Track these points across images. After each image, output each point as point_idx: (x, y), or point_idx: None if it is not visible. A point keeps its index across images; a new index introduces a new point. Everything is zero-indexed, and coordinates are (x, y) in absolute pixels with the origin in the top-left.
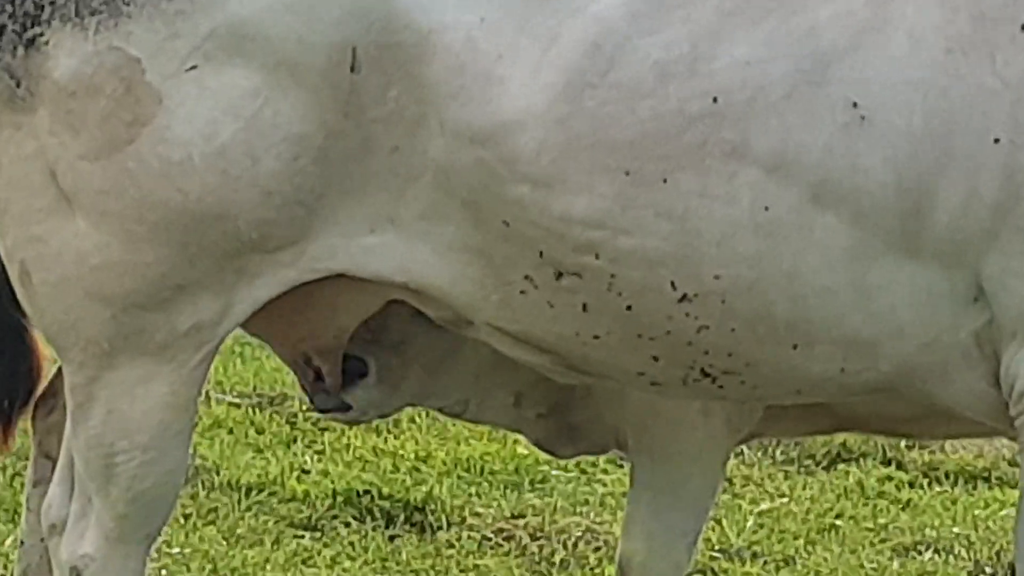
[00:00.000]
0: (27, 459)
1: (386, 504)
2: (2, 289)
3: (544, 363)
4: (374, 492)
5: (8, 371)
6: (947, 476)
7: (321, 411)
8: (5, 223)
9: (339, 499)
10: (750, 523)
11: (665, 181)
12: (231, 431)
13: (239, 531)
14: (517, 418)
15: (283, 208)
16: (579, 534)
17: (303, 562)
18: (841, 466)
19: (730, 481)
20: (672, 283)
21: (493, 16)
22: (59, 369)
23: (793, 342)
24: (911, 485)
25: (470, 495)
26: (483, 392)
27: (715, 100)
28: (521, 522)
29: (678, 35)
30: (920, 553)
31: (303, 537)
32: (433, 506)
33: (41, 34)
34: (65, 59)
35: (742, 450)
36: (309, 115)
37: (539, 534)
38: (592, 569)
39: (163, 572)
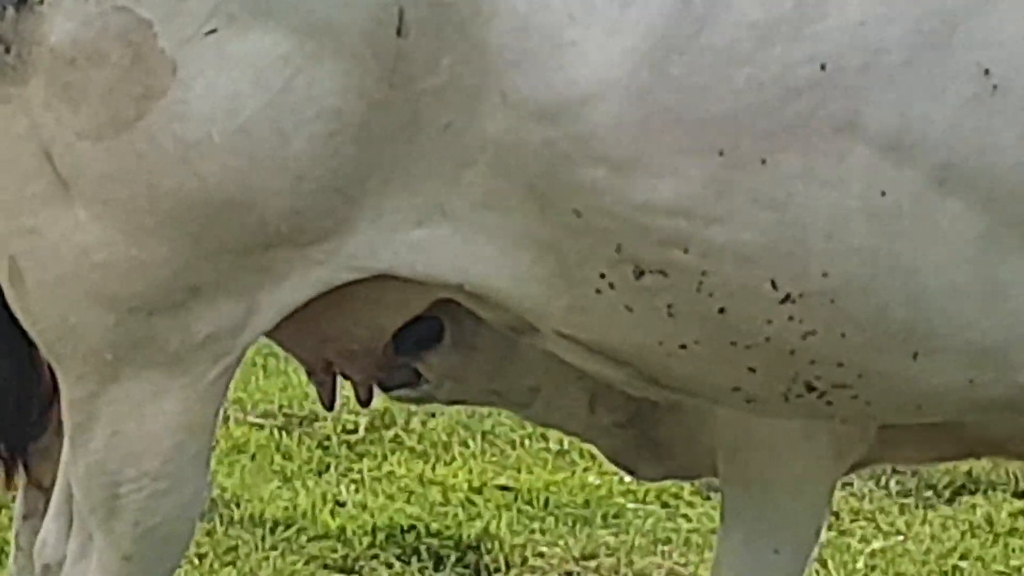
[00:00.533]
0: (15, 488)
1: (434, 542)
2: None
3: (621, 377)
4: (420, 528)
5: (17, 394)
6: None
7: (387, 389)
8: None
9: (380, 536)
10: (860, 564)
11: (764, 162)
12: (254, 457)
13: (263, 573)
14: (589, 425)
15: (316, 196)
16: None
17: None
18: (966, 498)
19: (836, 515)
20: (772, 282)
21: None
22: (55, 384)
23: (913, 349)
24: None
25: (532, 532)
26: (554, 383)
27: (823, 67)
28: (592, 563)
29: None
30: None
31: None
32: (489, 545)
33: None
34: (63, 21)
35: (851, 480)
36: (348, 86)
37: None
38: None
39: None
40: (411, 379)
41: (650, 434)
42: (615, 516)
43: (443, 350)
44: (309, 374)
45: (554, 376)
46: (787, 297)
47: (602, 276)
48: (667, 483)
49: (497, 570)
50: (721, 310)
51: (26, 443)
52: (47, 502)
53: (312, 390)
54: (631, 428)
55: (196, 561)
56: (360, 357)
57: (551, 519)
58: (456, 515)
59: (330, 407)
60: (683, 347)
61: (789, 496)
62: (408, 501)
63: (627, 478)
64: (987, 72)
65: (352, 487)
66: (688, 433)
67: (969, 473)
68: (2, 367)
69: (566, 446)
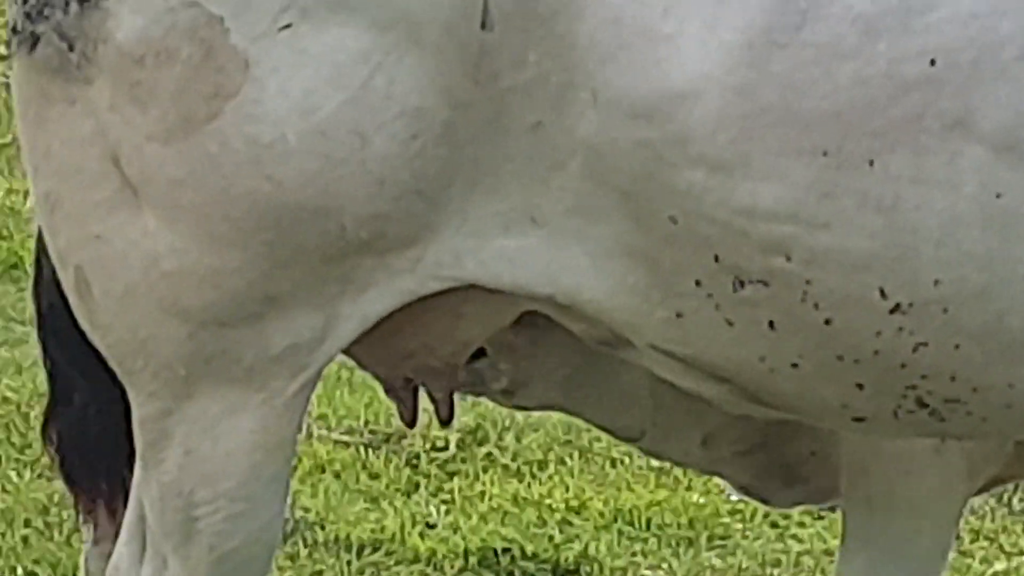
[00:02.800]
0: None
1: (530, 565)
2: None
3: (720, 394)
4: (515, 551)
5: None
6: None
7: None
8: (57, 220)
9: (472, 560)
10: None
11: (871, 164)
12: (338, 476)
13: None
14: (708, 459)
15: (398, 200)
16: None
17: None
18: None
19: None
20: (881, 290)
21: None
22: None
23: None
24: None
25: (634, 554)
26: (664, 426)
27: (933, 63)
28: None
29: None
30: None
31: None
32: (589, 568)
33: None
34: (130, 17)
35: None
36: (430, 84)
37: None
38: None
39: None
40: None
41: (779, 458)
42: (722, 537)
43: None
44: (387, 391)
45: (661, 417)
46: (897, 307)
47: (700, 287)
48: None
49: None
50: (827, 322)
51: (125, 477)
52: (118, 526)
53: None
54: (757, 455)
55: None
56: (440, 373)
57: (654, 541)
58: (553, 537)
59: (411, 424)
60: (786, 363)
61: (917, 518)
62: (502, 522)
63: (734, 497)
64: None
65: (443, 508)
66: (820, 453)
67: None
68: (85, 394)
69: (669, 463)
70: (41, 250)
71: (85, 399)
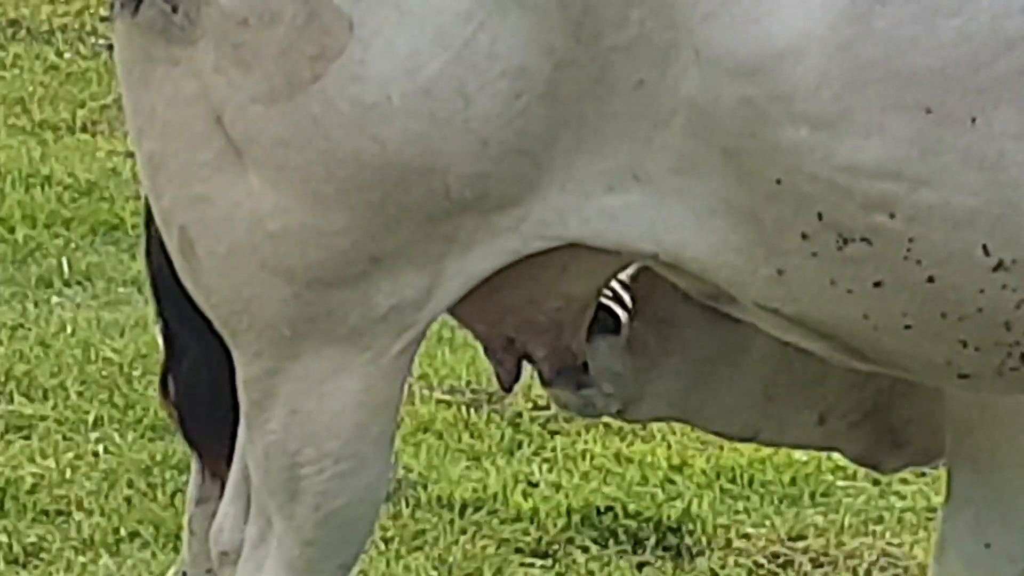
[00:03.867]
0: (189, 471)
1: (633, 524)
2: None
3: (825, 350)
4: (618, 509)
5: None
6: None
7: (546, 383)
8: (161, 181)
9: (575, 518)
10: None
11: (974, 121)
12: (441, 436)
13: (452, 559)
14: (825, 435)
15: (502, 159)
16: (872, 559)
17: None
18: None
19: None
20: (984, 247)
21: None
22: (230, 359)
23: None
24: None
25: (736, 512)
26: (778, 417)
27: None
28: (800, 545)
29: None
30: None
31: (531, 565)
32: (691, 526)
33: None
34: None
35: None
36: (533, 42)
37: (823, 559)
38: None
39: None
40: (576, 378)
41: (886, 422)
42: (824, 495)
43: (614, 344)
44: (487, 352)
45: (775, 408)
46: (1000, 264)
47: (803, 245)
48: None
49: (699, 552)
50: (930, 279)
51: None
52: (222, 486)
53: None
54: (867, 422)
55: (382, 546)
56: (544, 330)
57: (756, 498)
58: (655, 495)
59: (509, 389)
60: (890, 320)
61: (1021, 475)
62: (604, 481)
63: (835, 454)
64: None
65: (545, 467)
66: (925, 413)
67: None
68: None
69: None
70: (149, 211)
71: (198, 357)
